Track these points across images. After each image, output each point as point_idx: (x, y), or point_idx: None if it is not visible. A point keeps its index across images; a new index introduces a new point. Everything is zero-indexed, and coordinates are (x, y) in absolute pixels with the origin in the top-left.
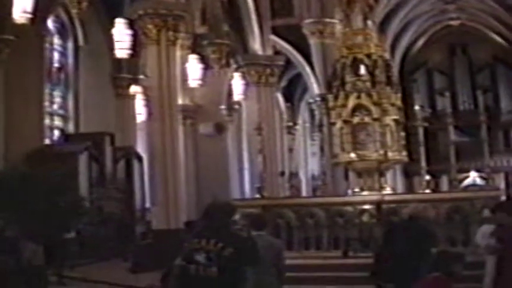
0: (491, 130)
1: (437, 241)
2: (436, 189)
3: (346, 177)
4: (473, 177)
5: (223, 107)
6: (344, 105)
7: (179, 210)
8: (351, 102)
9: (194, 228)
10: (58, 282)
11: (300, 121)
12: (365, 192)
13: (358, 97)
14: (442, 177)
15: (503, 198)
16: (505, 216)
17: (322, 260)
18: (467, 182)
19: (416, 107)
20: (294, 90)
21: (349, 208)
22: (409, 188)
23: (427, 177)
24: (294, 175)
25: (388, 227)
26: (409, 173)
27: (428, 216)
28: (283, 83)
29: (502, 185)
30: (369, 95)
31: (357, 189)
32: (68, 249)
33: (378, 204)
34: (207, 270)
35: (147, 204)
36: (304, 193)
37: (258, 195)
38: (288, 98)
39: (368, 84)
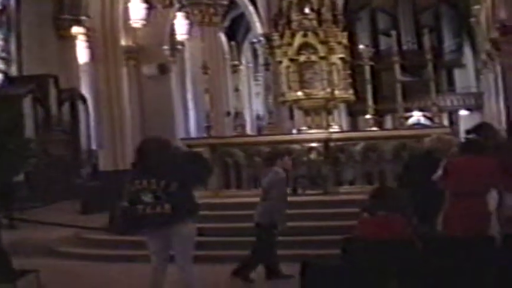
0: (436, 70)
1: None
2: (382, 128)
3: (292, 116)
4: (417, 116)
5: (166, 47)
6: (290, 44)
7: (126, 151)
8: (297, 40)
9: (133, 168)
10: (9, 225)
11: (243, 61)
12: (312, 131)
13: (305, 35)
14: (386, 116)
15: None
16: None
17: None
18: (411, 121)
19: (362, 46)
20: (237, 30)
21: (297, 146)
22: (354, 128)
23: (368, 116)
24: (239, 115)
25: (406, 161)
26: (354, 112)
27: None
28: (226, 23)
29: (446, 124)
30: (316, 34)
31: (304, 128)
32: (16, 192)
33: (325, 142)
34: (157, 208)
35: (93, 146)
36: (249, 133)
37: (205, 135)
38: (231, 37)
39: (314, 22)
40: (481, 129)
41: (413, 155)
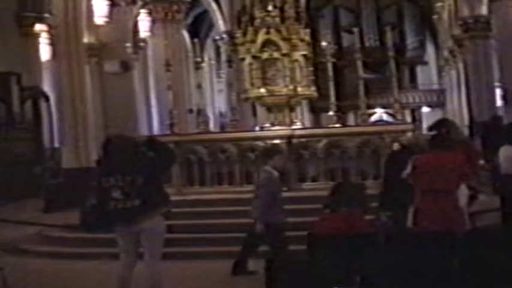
0: (398, 67)
1: None
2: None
3: (254, 113)
4: (379, 113)
5: (128, 44)
6: (253, 41)
7: (89, 149)
8: (260, 37)
9: (99, 166)
10: None
11: (206, 58)
12: (275, 127)
13: (267, 32)
14: (349, 113)
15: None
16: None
17: (235, 195)
18: (374, 118)
19: (324, 43)
20: (199, 27)
21: (260, 143)
22: (317, 125)
23: (331, 112)
24: (202, 112)
25: (388, 156)
26: (317, 109)
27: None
28: (189, 20)
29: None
30: (278, 31)
31: (267, 125)
32: None
33: (288, 138)
34: (127, 203)
35: (56, 144)
36: (212, 130)
37: (168, 132)
38: (193, 35)
39: (277, 19)
40: (442, 124)
41: (393, 151)
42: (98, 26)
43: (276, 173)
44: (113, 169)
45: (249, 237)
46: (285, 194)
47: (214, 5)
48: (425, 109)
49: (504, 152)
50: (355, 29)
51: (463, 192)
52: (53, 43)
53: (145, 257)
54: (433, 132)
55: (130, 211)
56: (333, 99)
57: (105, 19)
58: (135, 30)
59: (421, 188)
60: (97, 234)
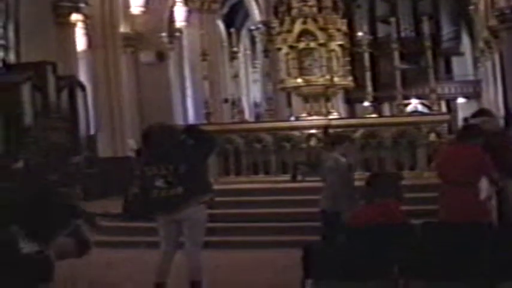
0: (434, 57)
1: None
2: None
3: (289, 103)
4: (414, 104)
5: (164, 34)
6: (290, 31)
7: (125, 139)
8: (297, 27)
9: (142, 156)
10: None
11: (241, 48)
12: (311, 117)
13: (304, 22)
14: (384, 104)
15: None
16: None
17: (271, 184)
18: (409, 108)
19: (360, 33)
20: (235, 16)
21: (296, 133)
22: (352, 115)
23: (367, 103)
24: (237, 102)
25: None
26: (352, 100)
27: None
28: (225, 10)
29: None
30: (315, 20)
31: (303, 115)
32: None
33: (325, 128)
34: (170, 191)
35: (92, 133)
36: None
37: (204, 122)
38: (229, 24)
39: (314, 9)
40: (480, 114)
41: None
42: (134, 16)
43: (343, 160)
44: (155, 158)
45: (325, 228)
46: (321, 184)
47: None
48: (460, 100)
49: None
50: (392, 19)
51: (483, 185)
52: (88, 33)
53: (186, 245)
54: (465, 123)
55: (173, 199)
56: (369, 89)
57: (141, 9)
58: (171, 20)
59: (442, 180)
60: (139, 222)
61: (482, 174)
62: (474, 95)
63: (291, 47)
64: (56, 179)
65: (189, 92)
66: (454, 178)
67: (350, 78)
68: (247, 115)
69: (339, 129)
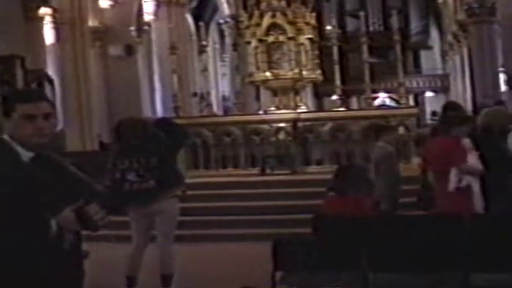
0: (402, 51)
1: None
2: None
3: (258, 97)
4: (382, 97)
5: (132, 28)
6: (258, 24)
7: (93, 132)
8: (266, 21)
9: (111, 149)
10: None
11: (210, 42)
12: (280, 111)
13: (273, 16)
14: (352, 98)
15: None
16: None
17: (240, 178)
18: (377, 102)
19: (329, 27)
20: (204, 10)
21: (265, 126)
22: (320, 109)
23: (335, 96)
24: (206, 96)
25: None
26: (320, 93)
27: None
28: (194, 3)
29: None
30: (284, 14)
31: (271, 108)
32: None
33: (293, 122)
34: (143, 185)
35: (60, 127)
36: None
37: (173, 115)
38: (198, 18)
39: (283, 3)
40: (449, 107)
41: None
42: (103, 10)
43: (390, 148)
44: (126, 151)
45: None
46: (290, 178)
47: None
48: (428, 94)
49: None
50: (361, 13)
51: (453, 177)
52: (57, 26)
53: (158, 239)
54: (436, 117)
55: (145, 192)
56: (338, 82)
57: (110, 2)
58: (140, 14)
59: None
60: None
61: (451, 165)
62: (442, 88)
63: (259, 40)
64: None
65: (157, 85)
66: (432, 168)
67: (319, 72)
68: (215, 109)
69: (307, 123)
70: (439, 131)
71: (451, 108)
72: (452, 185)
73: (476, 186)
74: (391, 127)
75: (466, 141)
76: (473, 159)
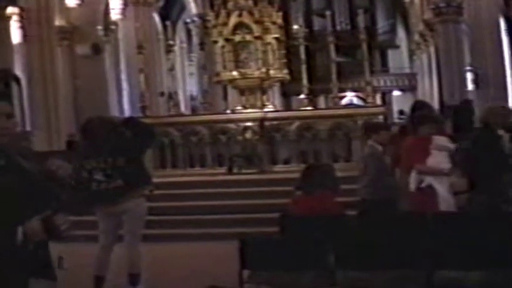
0: (369, 50)
1: None
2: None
3: (225, 96)
4: (349, 96)
5: (100, 27)
6: (225, 24)
7: (60, 132)
8: (233, 20)
9: (78, 149)
10: None
11: (177, 41)
12: (247, 110)
13: (240, 15)
14: (319, 97)
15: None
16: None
17: (207, 177)
18: (344, 101)
19: (296, 26)
20: (171, 9)
21: (232, 125)
22: (288, 108)
23: (302, 95)
24: (173, 95)
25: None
26: (288, 93)
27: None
28: (161, 3)
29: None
30: (251, 13)
31: (238, 107)
32: None
33: (260, 121)
34: (110, 184)
35: (28, 127)
36: (183, 113)
37: (140, 115)
38: (164, 17)
39: (250, 2)
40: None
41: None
42: (70, 9)
43: (380, 148)
44: (93, 151)
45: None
46: (257, 177)
47: None
48: (396, 93)
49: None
50: (327, 13)
51: (413, 177)
52: (24, 26)
53: (125, 238)
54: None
55: (113, 192)
56: (305, 82)
57: (77, 1)
58: (107, 13)
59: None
60: (78, 216)
61: (410, 164)
62: (409, 87)
63: (226, 39)
64: None
65: (124, 85)
66: (400, 168)
67: (286, 71)
68: (183, 108)
69: (274, 122)
70: (408, 130)
71: (419, 107)
72: (412, 185)
73: (440, 186)
74: (381, 126)
75: (442, 139)
76: (438, 159)
